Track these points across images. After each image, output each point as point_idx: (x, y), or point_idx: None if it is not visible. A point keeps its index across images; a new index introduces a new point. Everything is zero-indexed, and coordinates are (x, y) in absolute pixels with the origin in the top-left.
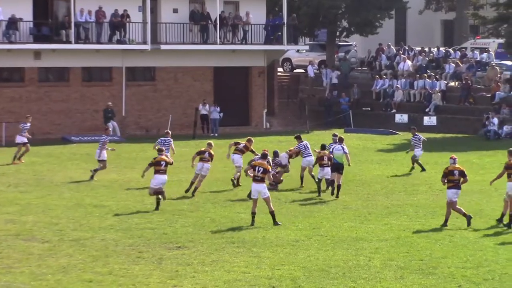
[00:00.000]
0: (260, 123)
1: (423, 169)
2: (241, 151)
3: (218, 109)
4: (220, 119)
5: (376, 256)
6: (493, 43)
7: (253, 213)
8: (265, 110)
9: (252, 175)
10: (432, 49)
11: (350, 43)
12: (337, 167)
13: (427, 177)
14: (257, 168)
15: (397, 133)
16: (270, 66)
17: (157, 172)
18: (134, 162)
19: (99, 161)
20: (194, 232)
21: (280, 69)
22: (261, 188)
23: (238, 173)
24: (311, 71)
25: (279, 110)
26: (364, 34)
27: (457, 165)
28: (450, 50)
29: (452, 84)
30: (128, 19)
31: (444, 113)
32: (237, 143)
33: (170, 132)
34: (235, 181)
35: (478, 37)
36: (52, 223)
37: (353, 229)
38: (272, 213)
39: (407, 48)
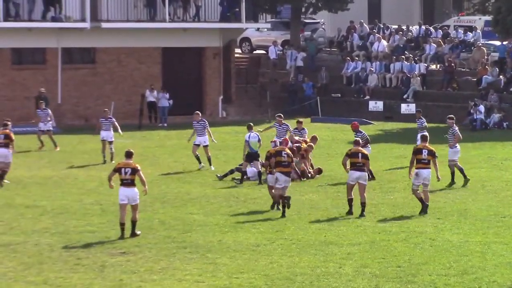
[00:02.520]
0: (215, 111)
1: None
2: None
3: (167, 95)
4: (170, 107)
5: (347, 262)
6: (479, 21)
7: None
8: (221, 97)
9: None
10: (410, 27)
11: (318, 21)
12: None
13: (405, 173)
14: (123, 169)
15: (371, 123)
16: (227, 47)
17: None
18: (71, 156)
19: None
20: (141, 236)
21: (238, 50)
22: (133, 194)
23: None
24: (273, 53)
25: (237, 96)
26: (333, 10)
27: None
28: (431, 28)
29: (433, 67)
30: None
31: (424, 100)
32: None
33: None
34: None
35: (462, 14)
36: None
37: (322, 231)
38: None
39: (382, 26)
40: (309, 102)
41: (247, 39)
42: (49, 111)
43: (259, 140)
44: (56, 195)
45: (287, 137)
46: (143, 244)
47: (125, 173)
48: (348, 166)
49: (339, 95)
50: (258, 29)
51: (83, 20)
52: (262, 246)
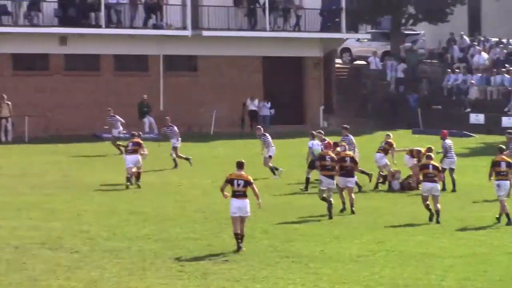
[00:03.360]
0: (316, 121)
1: None
2: (384, 150)
3: (269, 104)
4: (271, 116)
5: (449, 275)
6: None
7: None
8: (322, 107)
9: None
10: (511, 40)
11: (418, 32)
12: None
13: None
14: (235, 181)
15: (472, 136)
16: (327, 57)
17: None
18: (173, 163)
19: None
20: (244, 244)
21: (338, 60)
22: (244, 205)
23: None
24: (373, 63)
25: (338, 106)
26: (434, 22)
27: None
28: None
29: None
30: (165, 1)
31: None
32: None
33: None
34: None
35: None
36: (82, 231)
37: (423, 244)
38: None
39: (482, 38)
40: (411, 114)
41: (347, 50)
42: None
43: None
44: (160, 202)
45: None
46: (245, 253)
47: (238, 184)
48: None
49: (440, 107)
50: (358, 40)
51: (184, 28)
52: (364, 257)
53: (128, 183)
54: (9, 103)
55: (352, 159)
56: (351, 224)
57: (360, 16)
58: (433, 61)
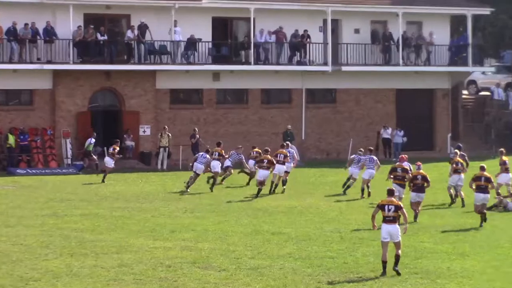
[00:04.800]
0: (444, 147)
1: None
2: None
3: (402, 133)
4: (404, 143)
5: None
6: None
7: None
8: (450, 134)
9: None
10: None
11: None
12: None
13: None
14: (386, 207)
15: None
16: (455, 88)
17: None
18: (312, 188)
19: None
20: (376, 262)
21: (464, 92)
22: (395, 231)
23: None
24: (496, 94)
25: (464, 134)
26: None
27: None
28: None
29: None
30: (308, 40)
31: None
32: None
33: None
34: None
35: None
36: (229, 250)
37: None
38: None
39: None
40: None
41: (473, 81)
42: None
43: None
44: (300, 223)
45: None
46: (378, 269)
47: (388, 210)
48: None
49: None
50: (483, 73)
51: (325, 63)
52: (487, 274)
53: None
54: (170, 134)
55: (424, 177)
56: (476, 241)
57: (485, 51)
58: None
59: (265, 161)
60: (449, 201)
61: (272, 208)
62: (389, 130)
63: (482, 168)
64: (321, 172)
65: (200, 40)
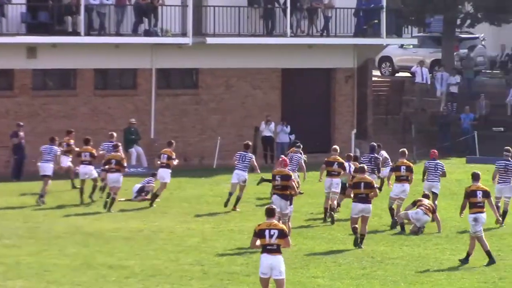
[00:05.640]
0: (346, 148)
1: None
2: None
3: (288, 128)
4: (290, 143)
5: None
6: None
7: None
8: (354, 131)
9: None
10: None
11: (477, 36)
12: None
13: None
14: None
15: None
16: (362, 68)
17: None
18: (166, 205)
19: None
20: None
21: (376, 73)
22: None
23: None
24: (420, 75)
25: (375, 130)
26: (496, 23)
27: None
28: None
29: None
30: (160, 1)
31: None
32: None
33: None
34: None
35: None
36: None
37: None
38: None
39: None
40: (465, 138)
41: (388, 59)
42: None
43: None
44: (147, 253)
45: None
46: None
47: (270, 236)
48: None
49: (502, 129)
50: (401, 46)
51: (183, 34)
52: None
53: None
54: None
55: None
56: (388, 276)
57: (405, 17)
58: (494, 71)
59: (113, 161)
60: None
61: (110, 232)
62: (272, 126)
63: (362, 170)
64: (177, 183)
65: (8, 1)
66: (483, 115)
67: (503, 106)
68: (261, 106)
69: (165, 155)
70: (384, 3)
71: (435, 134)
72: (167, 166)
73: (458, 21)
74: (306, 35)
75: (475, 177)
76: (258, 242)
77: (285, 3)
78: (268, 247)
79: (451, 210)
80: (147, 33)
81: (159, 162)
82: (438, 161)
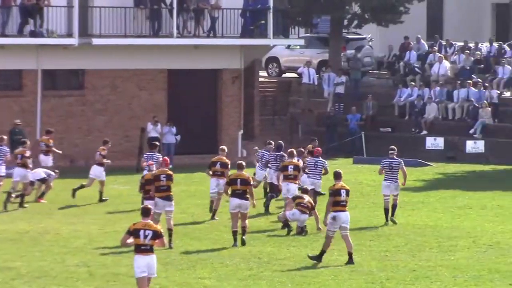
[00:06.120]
0: (233, 149)
1: None
2: None
3: (174, 129)
4: (177, 143)
5: None
6: None
7: None
8: (241, 132)
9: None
10: (479, 45)
11: (364, 36)
12: None
13: (469, 227)
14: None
15: (429, 164)
16: (249, 69)
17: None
18: (52, 207)
19: None
20: None
21: (263, 73)
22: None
23: None
24: (307, 76)
25: (261, 131)
26: (384, 23)
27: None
28: (505, 46)
29: (507, 94)
30: (46, 2)
31: (496, 135)
32: None
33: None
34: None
35: None
36: None
37: None
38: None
39: (444, 43)
40: (352, 138)
41: (274, 59)
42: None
43: None
44: (33, 254)
45: None
46: None
47: (145, 236)
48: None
49: (389, 129)
50: (288, 47)
51: (69, 35)
52: None
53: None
54: None
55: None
56: (274, 278)
57: (292, 17)
58: (381, 72)
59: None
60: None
61: None
62: (159, 127)
63: (240, 166)
64: (63, 184)
65: None
66: (370, 116)
67: (390, 106)
68: (148, 107)
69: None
70: (271, 3)
71: (322, 134)
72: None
73: (345, 22)
74: (193, 36)
75: (337, 176)
76: (129, 240)
77: (171, 4)
78: (142, 247)
79: None
80: (33, 34)
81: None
82: (319, 158)
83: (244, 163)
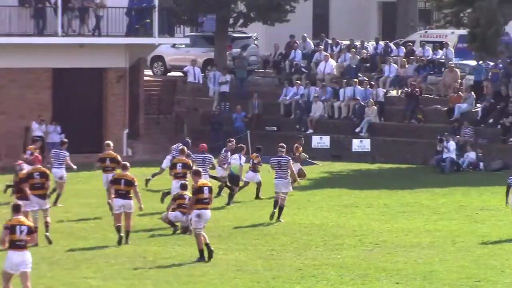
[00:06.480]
0: (118, 148)
1: None
2: None
3: (59, 129)
4: (61, 142)
5: None
6: (452, 35)
7: None
8: (126, 131)
9: None
10: (365, 43)
11: (250, 35)
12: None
13: (356, 225)
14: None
15: (315, 163)
16: (134, 68)
17: None
18: None
19: None
20: None
21: (148, 72)
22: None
23: None
24: (192, 75)
25: (146, 130)
26: (269, 22)
27: None
28: (391, 45)
29: (393, 93)
30: None
31: (382, 134)
32: None
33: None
34: None
35: (430, 27)
36: None
37: None
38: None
39: (330, 42)
40: (238, 137)
41: (160, 58)
42: None
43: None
44: None
45: None
46: None
47: (20, 232)
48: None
49: (275, 128)
50: (174, 46)
51: None
52: None
53: None
54: None
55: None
56: (159, 277)
57: (177, 16)
58: (267, 71)
59: None
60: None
61: None
62: (43, 126)
63: (125, 167)
64: None
65: None
66: (255, 115)
67: (276, 105)
68: (33, 106)
69: None
70: (156, 2)
71: (208, 133)
72: None
73: (231, 20)
74: (78, 35)
75: (197, 173)
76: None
77: (56, 2)
78: (17, 243)
79: (223, 209)
80: None
81: None
82: (206, 154)
83: (128, 164)
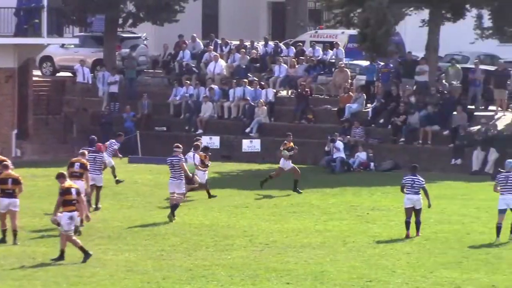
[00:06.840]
0: (7, 149)
1: None
2: None
3: None
4: None
5: None
6: (342, 35)
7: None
8: (15, 131)
9: None
10: (255, 43)
11: (139, 35)
12: None
13: (246, 226)
14: None
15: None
16: (23, 68)
17: None
18: None
19: None
20: None
21: (37, 72)
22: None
23: None
24: (81, 75)
25: (35, 130)
26: (159, 22)
27: None
28: (281, 45)
29: (283, 93)
30: None
31: (272, 134)
32: None
33: None
34: None
35: (321, 27)
36: None
37: None
38: None
39: (219, 42)
40: (128, 137)
41: (48, 58)
42: None
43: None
44: None
45: None
46: None
47: None
48: None
49: (165, 128)
50: (63, 46)
51: None
52: None
53: None
54: None
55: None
56: (46, 277)
57: (66, 16)
58: (157, 71)
59: None
60: None
61: None
62: None
63: (5, 166)
64: None
65: None
66: (145, 115)
67: (165, 105)
68: None
69: None
70: (45, 2)
71: (97, 133)
72: None
73: (120, 21)
74: None
75: (62, 175)
76: None
77: None
78: None
79: (113, 210)
80: None
81: None
82: (98, 154)
83: (8, 163)
